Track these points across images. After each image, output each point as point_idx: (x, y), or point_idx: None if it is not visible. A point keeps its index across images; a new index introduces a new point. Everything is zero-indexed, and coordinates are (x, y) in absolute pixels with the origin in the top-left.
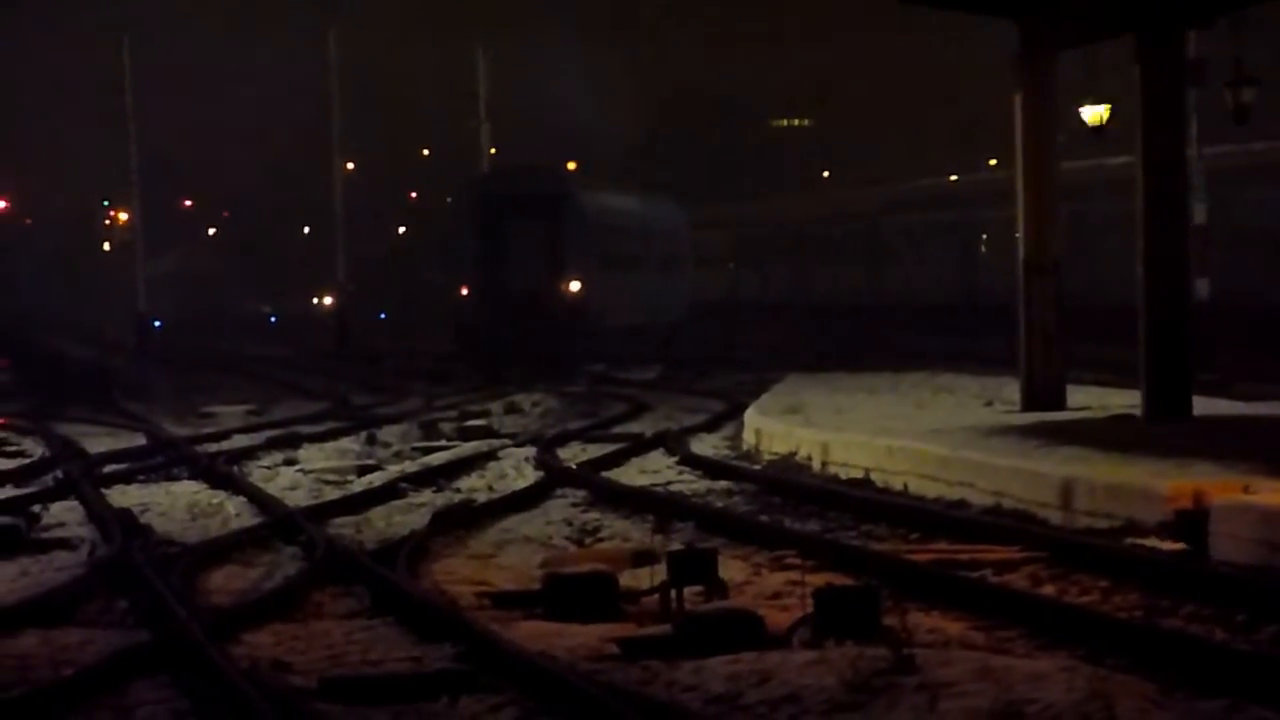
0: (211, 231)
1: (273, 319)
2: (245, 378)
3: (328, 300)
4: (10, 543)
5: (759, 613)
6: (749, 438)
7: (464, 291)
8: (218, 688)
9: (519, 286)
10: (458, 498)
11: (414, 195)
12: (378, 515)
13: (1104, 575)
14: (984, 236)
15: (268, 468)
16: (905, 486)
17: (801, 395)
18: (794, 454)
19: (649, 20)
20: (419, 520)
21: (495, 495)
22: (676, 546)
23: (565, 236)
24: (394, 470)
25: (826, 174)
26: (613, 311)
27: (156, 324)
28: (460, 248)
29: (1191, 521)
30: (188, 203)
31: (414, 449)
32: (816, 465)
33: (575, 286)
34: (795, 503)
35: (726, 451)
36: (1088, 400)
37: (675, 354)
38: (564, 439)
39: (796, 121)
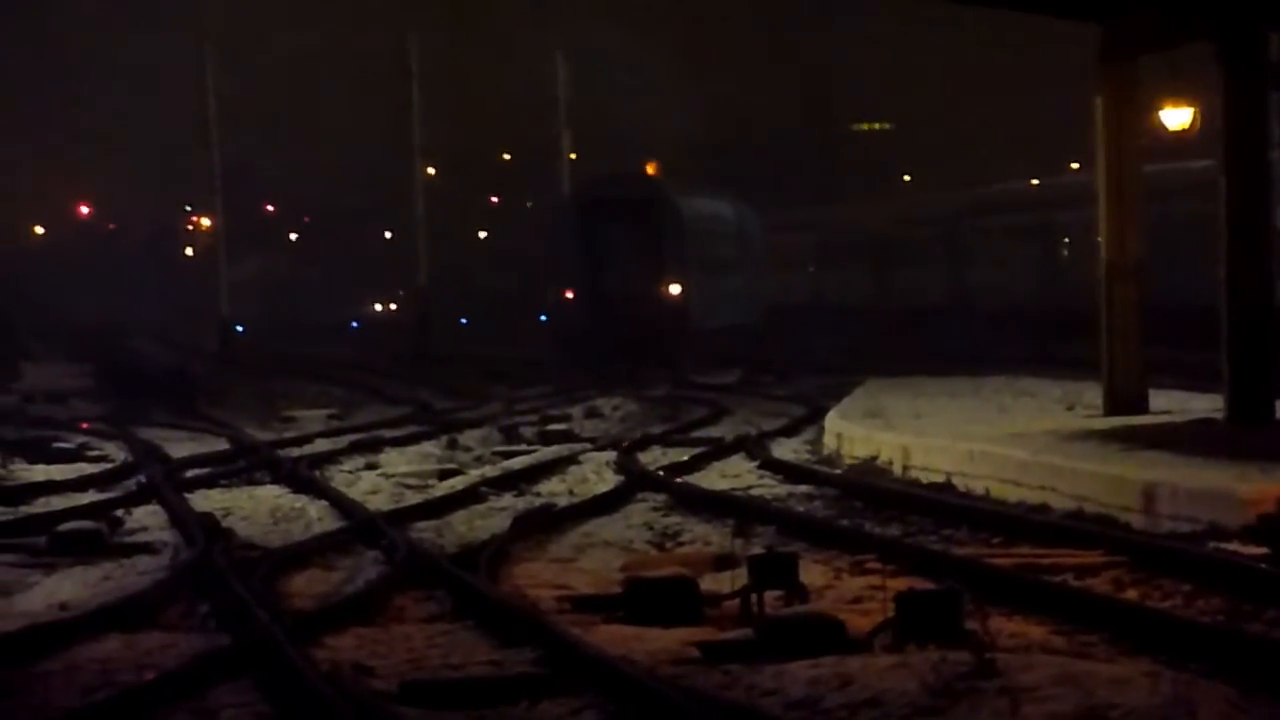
0: (293, 236)
1: (354, 323)
2: (327, 382)
3: (409, 305)
4: (93, 547)
5: (840, 617)
6: (829, 442)
7: (568, 295)
8: (299, 691)
9: (621, 290)
10: (538, 502)
11: (495, 199)
12: (459, 519)
13: (1186, 580)
14: (1065, 240)
15: (349, 472)
16: (987, 491)
17: (882, 399)
18: (875, 458)
19: (730, 21)
20: (500, 524)
21: (576, 499)
22: (757, 551)
23: (664, 241)
24: (475, 474)
25: (908, 177)
26: (708, 313)
27: (239, 329)
28: (562, 253)
29: (1274, 526)
30: (270, 208)
31: (495, 453)
32: (897, 469)
33: (675, 289)
34: (876, 507)
35: (807, 456)
36: (1169, 404)
37: (756, 357)
38: (644, 443)
39: (877, 125)
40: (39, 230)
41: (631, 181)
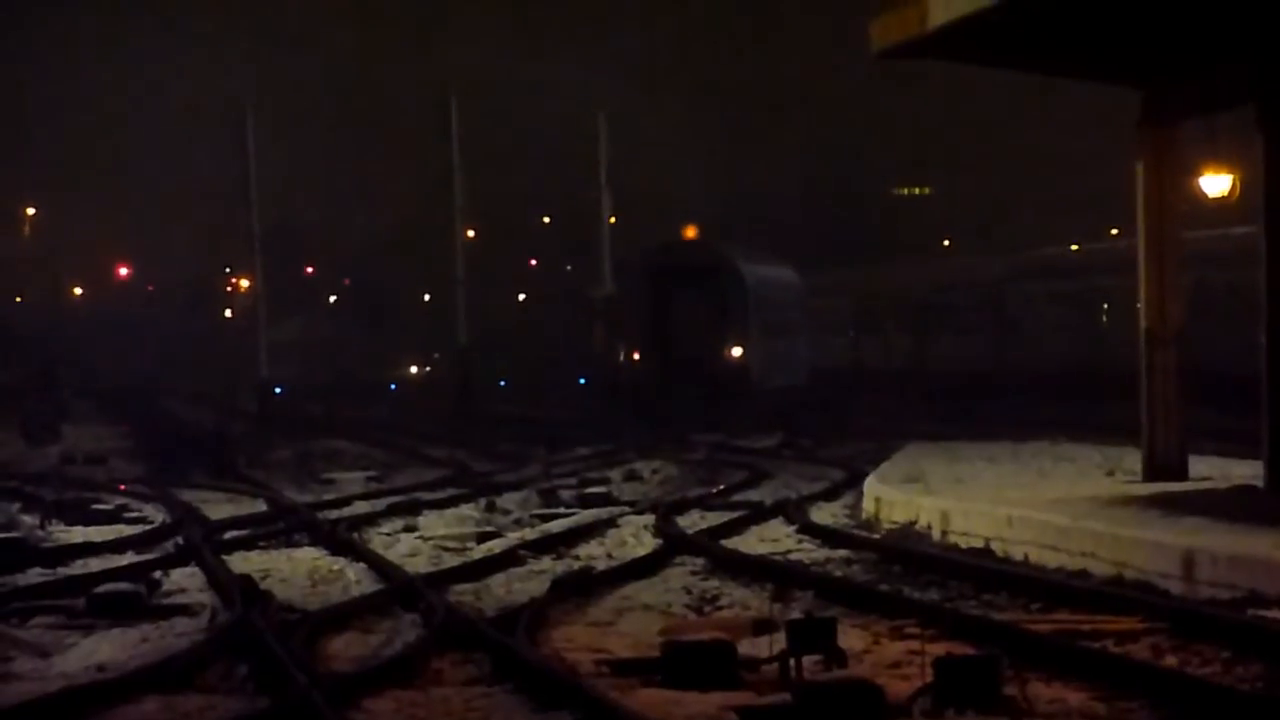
0: (333, 299)
1: (393, 385)
2: (366, 443)
3: (443, 366)
4: (131, 609)
5: (879, 682)
6: (869, 506)
7: (635, 356)
8: None
9: (687, 352)
10: (577, 565)
11: (534, 262)
12: (497, 582)
13: (1225, 647)
14: (1105, 305)
15: (388, 534)
16: (1026, 556)
17: (921, 464)
18: (914, 523)
19: (768, 86)
20: (538, 587)
21: (614, 563)
22: (796, 615)
23: (729, 305)
24: (513, 537)
25: (947, 243)
26: (767, 375)
27: (278, 390)
28: (631, 317)
29: None
30: (309, 269)
31: (533, 516)
32: (936, 534)
33: (738, 352)
34: (915, 572)
35: (846, 520)
36: (1209, 470)
37: (795, 421)
38: (683, 506)
39: (917, 190)
40: (78, 291)
41: (698, 248)
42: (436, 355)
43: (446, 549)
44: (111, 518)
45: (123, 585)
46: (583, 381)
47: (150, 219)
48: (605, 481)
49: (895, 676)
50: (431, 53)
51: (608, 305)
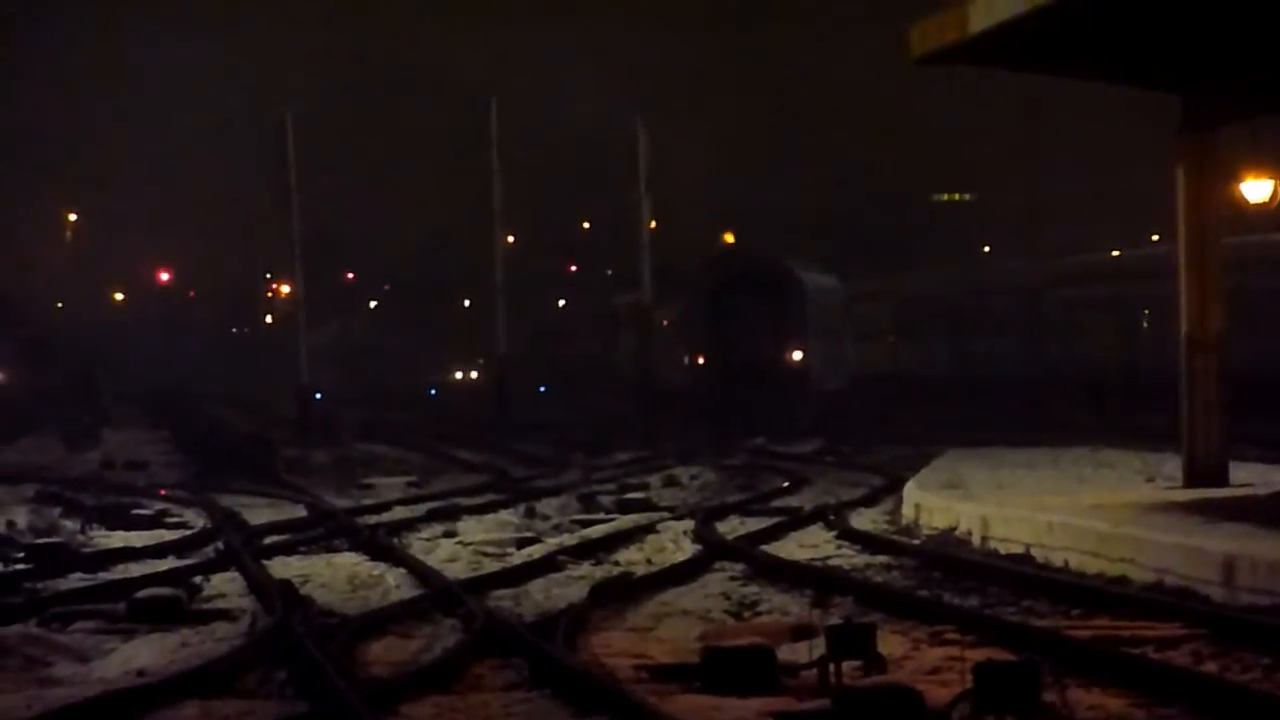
0: (373, 304)
1: (432, 390)
2: (405, 449)
3: (487, 372)
4: (171, 614)
5: (918, 688)
6: (908, 512)
7: (699, 361)
8: None
9: (749, 357)
10: (616, 570)
11: (574, 268)
12: (536, 587)
13: (1266, 653)
14: (1146, 311)
15: (427, 540)
16: (1066, 562)
17: (961, 470)
18: (953, 529)
19: (806, 91)
20: (577, 593)
21: (653, 568)
22: (835, 621)
23: (788, 312)
24: (553, 543)
25: (987, 249)
26: (823, 378)
27: (318, 396)
28: (696, 323)
29: None
30: (349, 275)
31: (573, 521)
32: (976, 540)
33: (798, 355)
34: (954, 578)
35: (885, 526)
36: (1250, 477)
37: (834, 427)
38: (722, 512)
39: (957, 196)
40: (119, 297)
41: (758, 257)
42: (481, 360)
43: (486, 554)
44: (152, 523)
45: (163, 590)
46: (624, 385)
47: (191, 225)
48: (644, 487)
49: (934, 682)
50: (471, 56)
51: (634, 312)
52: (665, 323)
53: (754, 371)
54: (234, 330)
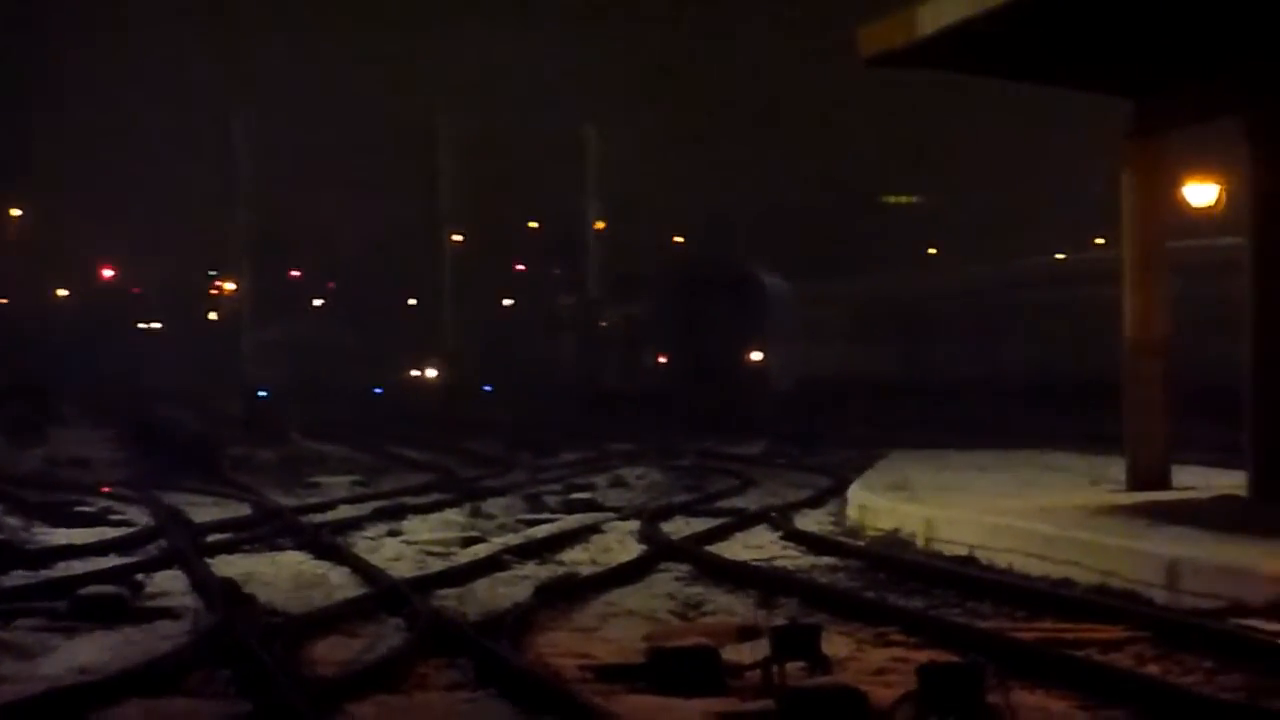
0: (318, 302)
1: (378, 390)
2: (352, 448)
3: (427, 372)
4: (115, 612)
5: (862, 689)
6: (854, 514)
7: (661, 360)
8: None
9: (710, 357)
10: (562, 570)
11: (521, 267)
12: (482, 587)
13: (1209, 655)
14: (1091, 315)
15: (372, 539)
16: (1010, 565)
17: (908, 471)
18: (899, 530)
19: (755, 94)
20: (523, 593)
21: (599, 568)
22: (780, 621)
23: (749, 313)
24: (498, 542)
25: (934, 251)
26: (780, 378)
27: (263, 393)
28: (659, 322)
29: None
30: (295, 273)
31: (519, 521)
32: (921, 542)
33: (758, 357)
34: (899, 579)
35: (831, 527)
36: (1194, 480)
37: (781, 429)
38: (668, 513)
39: (905, 198)
40: (63, 293)
41: (721, 260)
42: (437, 359)
43: (431, 554)
44: (95, 520)
45: (106, 588)
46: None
47: (136, 221)
48: (590, 487)
49: (879, 683)
50: (420, 56)
51: (574, 313)
52: (604, 324)
53: (716, 371)
54: (179, 327)
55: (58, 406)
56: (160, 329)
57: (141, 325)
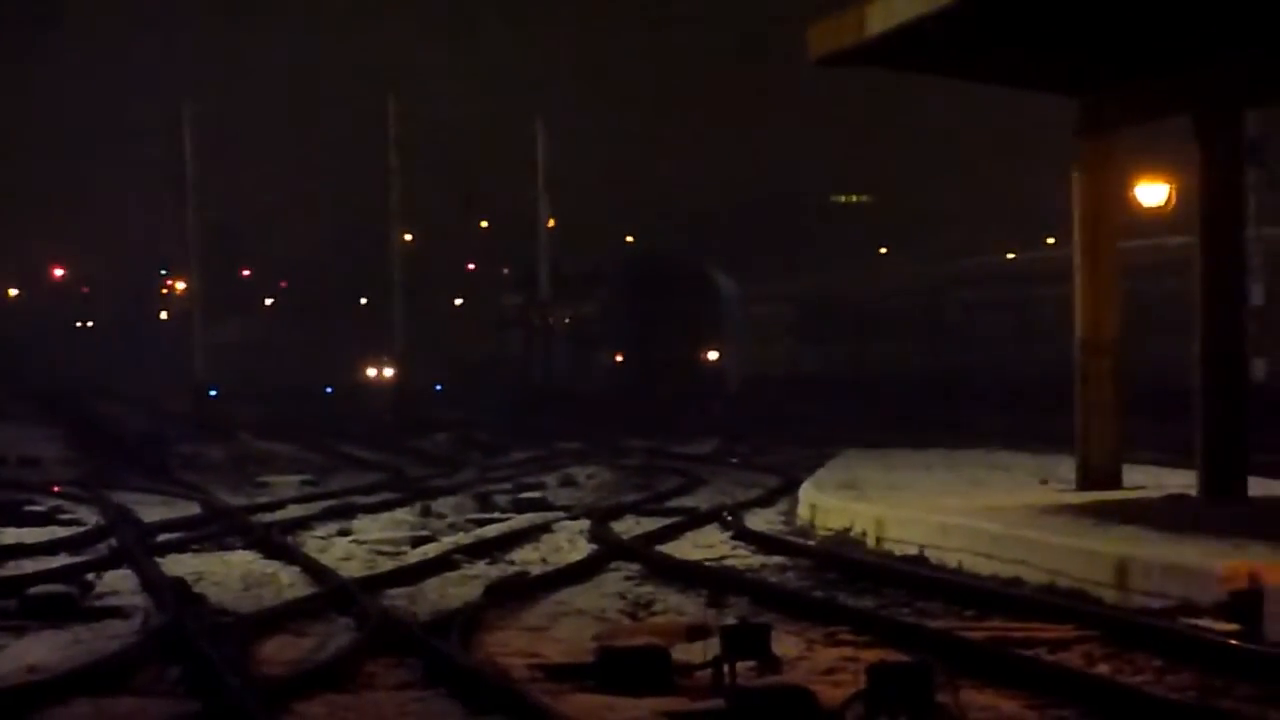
0: (269, 301)
1: (328, 389)
2: (302, 447)
3: (384, 371)
4: (64, 611)
5: (812, 688)
6: (804, 513)
7: (618, 359)
8: None
9: (667, 355)
10: (511, 570)
11: (472, 266)
12: (431, 587)
13: (1158, 655)
14: (1041, 314)
15: (322, 538)
16: (960, 564)
17: (857, 471)
18: (849, 530)
19: (706, 93)
20: (473, 592)
21: (549, 568)
22: (730, 621)
23: (705, 313)
24: (448, 542)
25: (884, 250)
26: (734, 376)
27: (213, 392)
28: (614, 321)
29: (1246, 602)
30: (246, 272)
31: (468, 521)
32: (871, 541)
33: (714, 355)
34: (850, 579)
35: (781, 527)
36: (1144, 479)
37: (731, 428)
38: (618, 512)
39: (855, 197)
40: (13, 292)
41: (676, 260)
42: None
43: (381, 553)
44: (45, 519)
45: (55, 587)
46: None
47: (87, 220)
48: (540, 486)
49: (829, 683)
50: (368, 51)
51: (519, 312)
52: (552, 322)
53: (673, 370)
54: (130, 327)
55: (3, 404)
56: (111, 328)
57: (84, 324)
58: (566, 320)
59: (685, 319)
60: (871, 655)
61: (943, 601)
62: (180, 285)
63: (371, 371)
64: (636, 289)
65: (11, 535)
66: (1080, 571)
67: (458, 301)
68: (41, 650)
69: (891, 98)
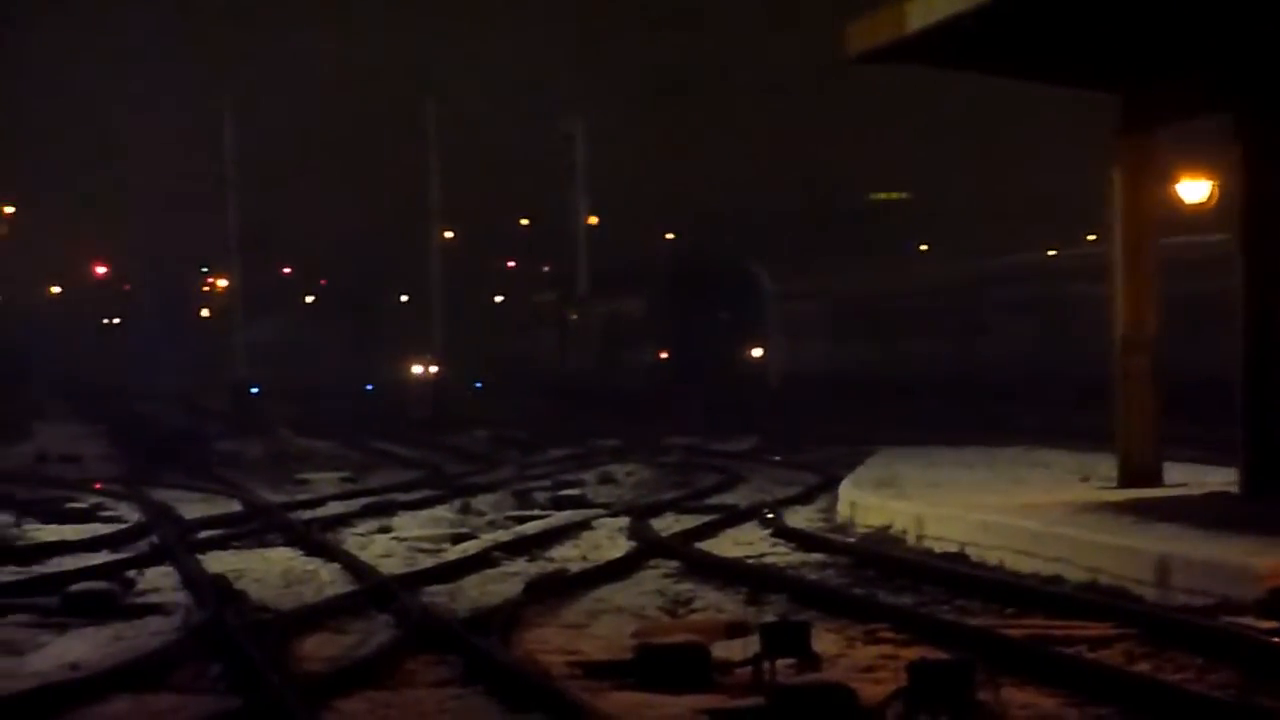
0: (309, 299)
1: (369, 386)
2: (342, 444)
3: (424, 369)
4: (105, 608)
5: (852, 686)
6: (843, 510)
7: (662, 356)
8: None
9: (713, 352)
10: (551, 567)
11: (511, 264)
12: (471, 584)
13: (1199, 653)
14: (1081, 311)
15: (362, 535)
16: (1000, 562)
17: (896, 468)
18: (888, 527)
19: (747, 91)
20: (512, 589)
21: (588, 565)
22: (769, 618)
23: (750, 311)
24: (488, 539)
25: (924, 247)
26: (777, 373)
27: (253, 390)
28: (659, 319)
29: None
30: (286, 270)
31: (508, 518)
32: (911, 539)
33: (758, 353)
34: (889, 576)
35: (820, 524)
36: (1185, 477)
37: (770, 425)
38: (657, 509)
39: (894, 195)
40: (55, 290)
41: (722, 258)
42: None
43: (421, 550)
44: (86, 516)
45: (97, 584)
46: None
47: (129, 218)
48: (579, 484)
49: (869, 680)
50: (409, 52)
51: (550, 309)
52: (575, 317)
53: (718, 367)
54: (171, 324)
55: (44, 403)
56: (151, 326)
57: (109, 320)
58: (600, 317)
59: (731, 316)
60: (911, 653)
61: (982, 599)
62: (221, 283)
63: (417, 369)
64: (683, 287)
65: (53, 532)
66: (1121, 569)
67: (498, 299)
68: (83, 647)
69: (930, 93)
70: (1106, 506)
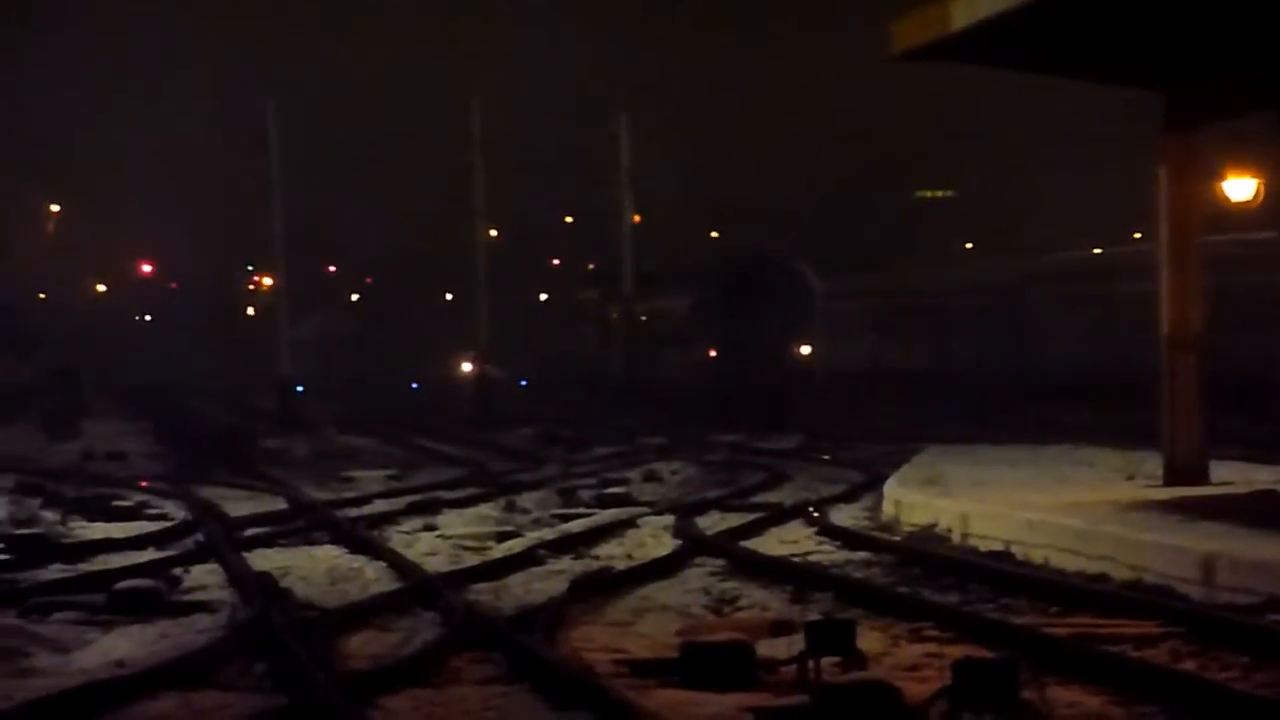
0: (355, 297)
1: (414, 385)
2: (386, 442)
3: (469, 366)
4: (151, 605)
5: (897, 684)
6: (888, 509)
7: (711, 354)
8: None
9: (763, 350)
10: (596, 565)
11: (556, 261)
12: (516, 581)
13: (1245, 652)
14: (1127, 309)
15: (407, 533)
16: (1045, 560)
17: (941, 467)
18: (933, 525)
19: (789, 87)
20: (557, 587)
21: (633, 563)
22: (814, 617)
23: (798, 309)
24: (532, 537)
25: (970, 245)
26: (820, 372)
27: (299, 388)
28: (709, 318)
29: None
30: (331, 268)
31: (553, 516)
32: (956, 537)
33: (806, 350)
34: (934, 574)
35: (865, 522)
36: (1231, 475)
37: (814, 423)
38: (702, 507)
39: (940, 193)
40: (101, 288)
41: (772, 257)
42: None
43: (466, 548)
44: (132, 514)
45: (143, 582)
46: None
47: (173, 216)
48: (624, 482)
49: (913, 679)
50: (453, 50)
51: (592, 307)
52: (619, 315)
53: (768, 365)
54: (216, 322)
55: (90, 400)
56: (197, 323)
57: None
58: (643, 316)
59: (780, 315)
60: (956, 651)
61: (1028, 598)
62: (266, 280)
63: (467, 366)
64: (733, 285)
65: (99, 530)
66: (1166, 567)
67: (543, 297)
68: (129, 644)
69: (978, 91)
70: (1152, 505)
